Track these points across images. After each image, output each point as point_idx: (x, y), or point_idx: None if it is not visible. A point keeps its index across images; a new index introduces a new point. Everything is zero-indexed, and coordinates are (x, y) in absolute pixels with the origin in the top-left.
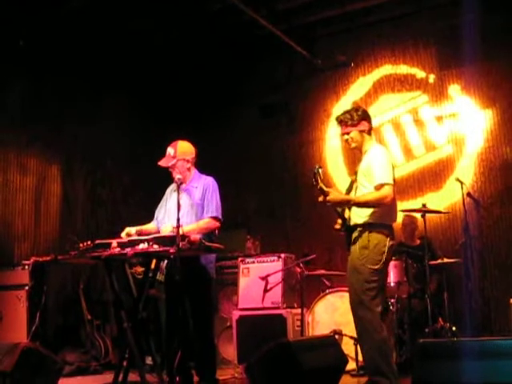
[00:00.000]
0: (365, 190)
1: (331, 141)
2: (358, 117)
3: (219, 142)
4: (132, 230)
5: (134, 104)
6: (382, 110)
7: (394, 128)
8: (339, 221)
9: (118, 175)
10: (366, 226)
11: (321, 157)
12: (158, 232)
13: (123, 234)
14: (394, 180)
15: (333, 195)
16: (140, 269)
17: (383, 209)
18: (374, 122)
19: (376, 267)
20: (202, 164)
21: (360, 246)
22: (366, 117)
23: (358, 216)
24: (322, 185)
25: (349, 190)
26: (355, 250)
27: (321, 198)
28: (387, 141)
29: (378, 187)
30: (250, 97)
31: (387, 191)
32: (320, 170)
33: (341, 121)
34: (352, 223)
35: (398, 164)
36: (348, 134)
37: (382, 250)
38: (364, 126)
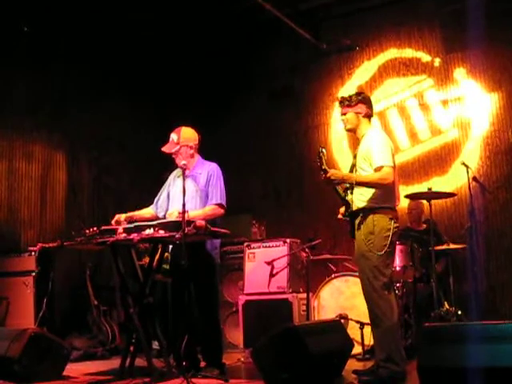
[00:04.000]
0: (364, 174)
1: (336, 125)
2: (356, 99)
3: (224, 127)
4: (122, 216)
5: (139, 90)
6: (388, 94)
7: (400, 112)
8: (341, 210)
9: (124, 162)
10: (369, 210)
11: (326, 141)
12: (153, 217)
13: (113, 221)
14: (394, 163)
15: (334, 173)
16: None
17: (385, 192)
18: (379, 106)
19: (382, 252)
20: (207, 150)
21: (365, 232)
22: (365, 101)
23: (360, 200)
24: (325, 165)
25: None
26: (360, 235)
27: (322, 177)
28: (392, 125)
29: (378, 169)
30: (255, 82)
31: (387, 172)
32: (324, 151)
33: (340, 101)
34: (355, 208)
35: (403, 148)
36: (344, 114)
37: (387, 234)
38: (361, 108)
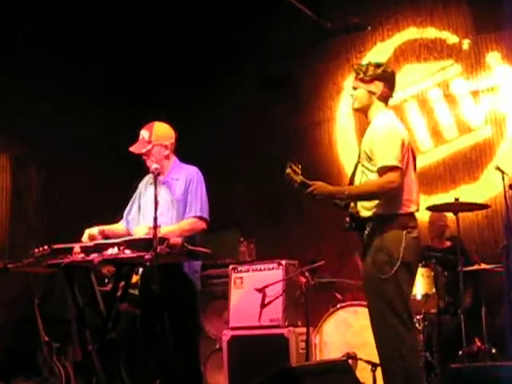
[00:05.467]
0: (372, 177)
1: (343, 121)
2: (372, 73)
3: (205, 123)
4: (94, 230)
5: (101, 80)
6: (406, 83)
7: (420, 105)
8: (348, 218)
9: (82, 164)
10: (377, 220)
11: (330, 140)
12: (128, 234)
13: (84, 237)
14: (408, 158)
15: (318, 187)
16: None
17: (396, 194)
18: (396, 98)
19: (397, 275)
20: (184, 151)
21: (374, 248)
22: (384, 78)
23: (365, 208)
24: (301, 178)
25: (351, 177)
26: (369, 253)
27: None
28: (411, 121)
29: (380, 172)
30: (244, 68)
31: (389, 177)
32: (291, 167)
33: (355, 70)
34: (360, 217)
35: (424, 149)
36: (355, 89)
37: (399, 250)
38: (377, 87)
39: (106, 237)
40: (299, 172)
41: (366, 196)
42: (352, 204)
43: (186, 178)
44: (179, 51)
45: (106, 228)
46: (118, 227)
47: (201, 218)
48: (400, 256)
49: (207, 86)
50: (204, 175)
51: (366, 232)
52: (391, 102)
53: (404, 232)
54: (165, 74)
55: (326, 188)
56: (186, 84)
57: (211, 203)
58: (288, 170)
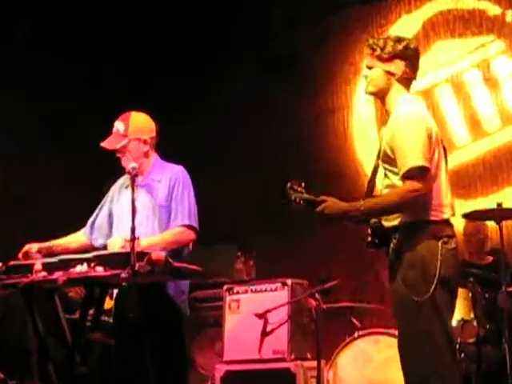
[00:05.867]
0: (396, 180)
1: (360, 109)
2: (391, 49)
3: (195, 114)
4: (33, 246)
5: (69, 59)
6: (437, 64)
7: (455, 90)
8: (369, 232)
9: (44, 164)
10: (405, 229)
11: (345, 132)
12: (86, 247)
13: (20, 255)
14: (436, 156)
15: (328, 205)
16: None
17: (426, 197)
18: (424, 82)
19: (434, 296)
20: (169, 147)
21: (405, 264)
22: (406, 56)
23: (390, 216)
24: (306, 196)
25: (371, 180)
26: (398, 270)
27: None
28: (444, 110)
29: (404, 177)
30: (242, 47)
31: (415, 181)
32: (292, 186)
33: (369, 46)
34: (385, 228)
35: (460, 144)
36: (370, 68)
37: (435, 264)
38: (397, 67)
39: (54, 253)
40: (303, 190)
41: (387, 210)
42: None
43: (170, 179)
44: (167, 33)
45: (58, 242)
46: (74, 239)
47: (189, 227)
48: (437, 272)
49: (199, 70)
50: (193, 176)
51: (392, 245)
52: (419, 86)
53: (439, 242)
54: (150, 57)
55: (337, 205)
56: (175, 68)
57: (202, 210)
58: (288, 190)
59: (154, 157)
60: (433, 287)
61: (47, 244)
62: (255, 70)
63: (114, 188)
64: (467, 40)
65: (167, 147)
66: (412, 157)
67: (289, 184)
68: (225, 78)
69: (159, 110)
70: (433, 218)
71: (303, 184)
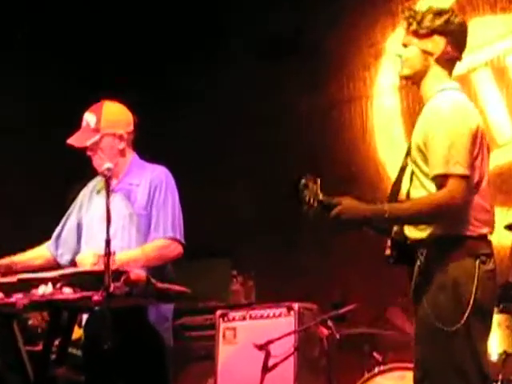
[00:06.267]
0: (428, 184)
1: (382, 99)
2: (430, 24)
3: (181, 106)
4: None
5: (72, 67)
6: (474, 45)
7: (496, 76)
8: (389, 246)
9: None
10: (435, 245)
11: (363, 127)
12: (49, 264)
13: None
14: (483, 160)
15: (346, 208)
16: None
17: (462, 208)
18: (460, 66)
19: (467, 325)
20: (151, 144)
21: (434, 286)
22: (448, 32)
23: (416, 227)
24: (321, 197)
25: (396, 184)
26: (425, 293)
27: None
28: (483, 99)
29: (438, 181)
30: (235, 28)
31: (454, 189)
32: (306, 183)
33: (405, 19)
34: (410, 241)
35: (502, 142)
36: (405, 46)
37: (470, 288)
38: (435, 45)
39: (12, 271)
40: (318, 190)
41: (415, 219)
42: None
43: (151, 182)
44: (148, 12)
45: (17, 259)
46: (35, 255)
47: (173, 239)
48: (472, 297)
49: (186, 55)
50: (179, 179)
51: (419, 262)
52: (455, 71)
53: (476, 262)
54: (128, 40)
55: (356, 208)
56: (157, 53)
57: (191, 220)
58: (301, 189)
59: (132, 156)
60: (466, 315)
61: (5, 261)
62: (254, 56)
63: (84, 193)
64: (510, 16)
65: (148, 145)
66: (452, 162)
67: (303, 180)
68: (217, 65)
69: (140, 104)
70: (469, 233)
71: (319, 181)
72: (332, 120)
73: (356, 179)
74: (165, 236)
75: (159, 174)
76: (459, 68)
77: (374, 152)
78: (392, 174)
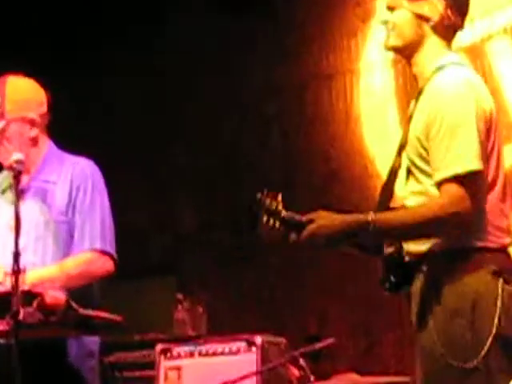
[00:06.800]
0: (430, 185)
1: (372, 75)
2: None
3: (117, 83)
4: None
5: None
6: (488, 8)
7: None
8: (385, 268)
9: None
10: (443, 258)
11: (348, 111)
12: None
13: None
14: (499, 152)
15: (320, 225)
16: None
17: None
18: (471, 34)
19: (488, 358)
20: (68, 132)
21: (444, 311)
22: None
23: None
24: (285, 213)
25: (387, 188)
26: (431, 318)
27: (295, 237)
28: (500, 75)
29: (446, 182)
30: None
31: (462, 190)
32: (265, 202)
33: None
34: (409, 256)
35: None
36: (392, 9)
37: (490, 314)
38: (432, 8)
39: None
40: (279, 206)
41: (414, 233)
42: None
43: (72, 180)
44: None
45: None
46: None
47: (102, 253)
48: (494, 326)
49: (115, 13)
50: (109, 177)
51: (423, 279)
52: (462, 40)
53: (499, 282)
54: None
55: (333, 223)
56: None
57: (122, 228)
58: (258, 208)
59: (47, 145)
60: (486, 348)
61: None
62: (206, 14)
63: None
64: None
65: (68, 130)
66: (460, 156)
67: (260, 196)
68: (155, 27)
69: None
70: (487, 244)
71: (280, 197)
72: (306, 102)
73: (337, 177)
74: (91, 248)
75: (83, 168)
76: (470, 36)
77: (360, 143)
78: (383, 170)
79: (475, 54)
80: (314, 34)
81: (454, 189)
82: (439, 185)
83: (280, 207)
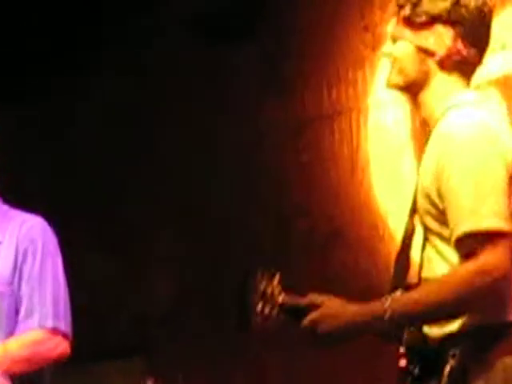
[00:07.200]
0: (447, 250)
1: (382, 112)
2: (430, 7)
3: (73, 113)
4: None
5: None
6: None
7: None
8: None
9: None
10: (473, 338)
11: (354, 157)
12: None
13: None
14: None
15: (326, 314)
16: None
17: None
18: (494, 65)
19: None
20: (17, 182)
21: None
22: (459, 21)
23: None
24: (284, 298)
25: (402, 256)
26: None
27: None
28: None
29: (467, 244)
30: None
31: (491, 255)
32: (258, 281)
33: (400, 6)
34: (432, 342)
35: None
36: (394, 40)
37: None
38: (438, 40)
39: None
40: (275, 289)
41: (440, 313)
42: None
43: (19, 242)
44: None
45: None
46: None
47: (55, 331)
48: None
49: (81, 35)
50: (64, 239)
51: (450, 367)
52: (490, 70)
53: None
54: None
55: (342, 313)
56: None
57: (81, 303)
58: (249, 290)
59: None
60: None
61: None
62: (189, 42)
63: None
64: None
65: (16, 180)
66: (480, 214)
67: (250, 278)
68: (122, 57)
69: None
70: None
71: (277, 278)
72: (303, 147)
73: (341, 238)
74: (42, 326)
75: (33, 227)
76: (500, 65)
77: (368, 196)
78: (397, 230)
79: (501, 85)
80: (313, 65)
81: (481, 251)
82: (457, 243)
83: (277, 291)
